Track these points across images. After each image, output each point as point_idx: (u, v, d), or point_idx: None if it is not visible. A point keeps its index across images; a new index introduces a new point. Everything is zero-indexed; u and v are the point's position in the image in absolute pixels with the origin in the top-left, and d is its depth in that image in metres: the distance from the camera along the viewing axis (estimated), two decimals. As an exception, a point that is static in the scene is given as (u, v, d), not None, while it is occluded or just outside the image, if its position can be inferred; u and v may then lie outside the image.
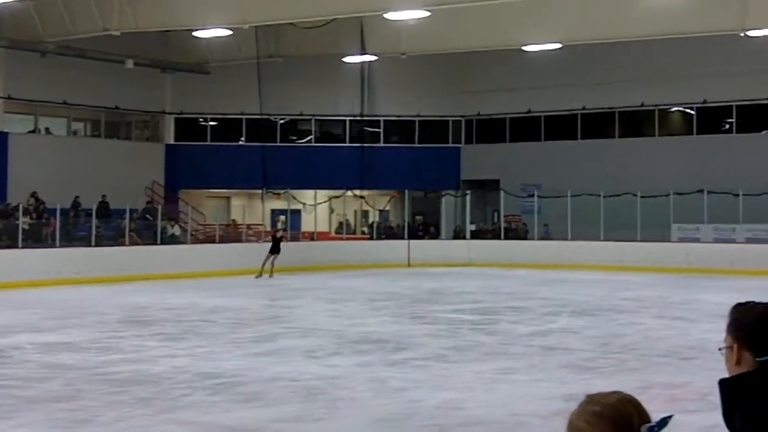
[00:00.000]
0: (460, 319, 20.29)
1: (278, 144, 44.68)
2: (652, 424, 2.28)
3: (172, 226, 38.26)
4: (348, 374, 13.40)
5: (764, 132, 39.38)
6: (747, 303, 2.98)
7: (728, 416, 2.82)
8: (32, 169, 37.58)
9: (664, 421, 2.29)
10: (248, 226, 41.67)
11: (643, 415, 2.31)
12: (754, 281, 28.67)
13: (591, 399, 2.36)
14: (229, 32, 35.12)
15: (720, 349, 2.96)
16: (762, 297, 3.07)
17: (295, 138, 46.20)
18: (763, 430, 2.70)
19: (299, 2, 30.67)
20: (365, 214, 47.76)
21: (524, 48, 36.56)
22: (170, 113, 44.45)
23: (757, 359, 2.83)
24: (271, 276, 32.27)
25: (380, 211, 45.66)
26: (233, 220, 43.23)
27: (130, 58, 39.06)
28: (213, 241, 38.35)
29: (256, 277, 31.93)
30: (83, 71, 39.01)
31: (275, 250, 33.01)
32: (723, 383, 2.88)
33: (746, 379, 2.83)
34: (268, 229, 40.98)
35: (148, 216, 38.12)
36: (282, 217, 39.00)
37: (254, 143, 43.74)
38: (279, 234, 34.59)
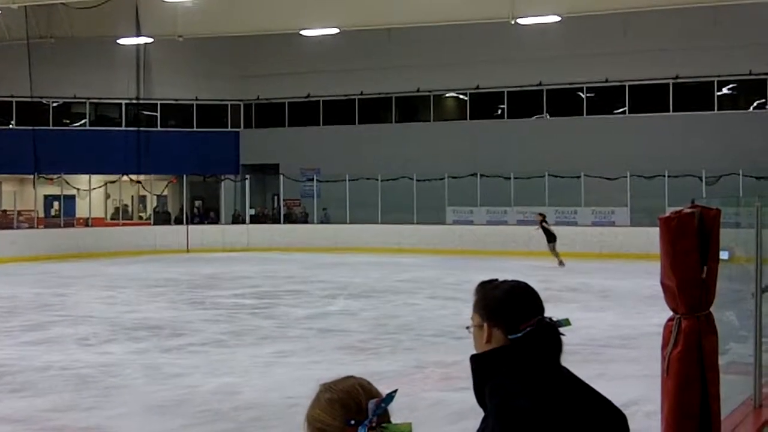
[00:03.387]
0: (239, 304, 20.27)
1: (51, 128, 43.34)
2: (379, 399, 2.39)
3: (-62, 214, 36.67)
4: (122, 361, 13.22)
5: (534, 117, 40.96)
6: (492, 281, 3.04)
7: (479, 391, 2.88)
8: None
9: (390, 396, 2.40)
10: (20, 213, 40.23)
11: (371, 395, 2.42)
12: (524, 261, 29.93)
13: (324, 387, 2.48)
14: (-3, 12, 33.82)
15: (467, 328, 3.00)
16: (525, 277, 3.18)
17: (68, 122, 44.91)
18: (515, 404, 2.76)
19: (70, -18, 29.84)
20: (143, 199, 46.94)
21: (303, 32, 36.72)
22: (-66, 95, 42.42)
23: (509, 337, 2.88)
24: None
25: (158, 196, 44.98)
26: (4, 211, 41.66)
27: None
28: (-18, 229, 36.88)
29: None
30: None
31: (552, 237, 30.12)
32: (474, 359, 2.93)
33: (498, 354, 2.88)
34: (41, 215, 39.70)
35: None
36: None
37: (25, 127, 42.29)
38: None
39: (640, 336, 15.04)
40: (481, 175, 37.25)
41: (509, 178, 36.91)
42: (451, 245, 35.47)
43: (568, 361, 2.97)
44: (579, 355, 12.43)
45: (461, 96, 42.67)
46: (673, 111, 38.17)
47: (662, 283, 4.03)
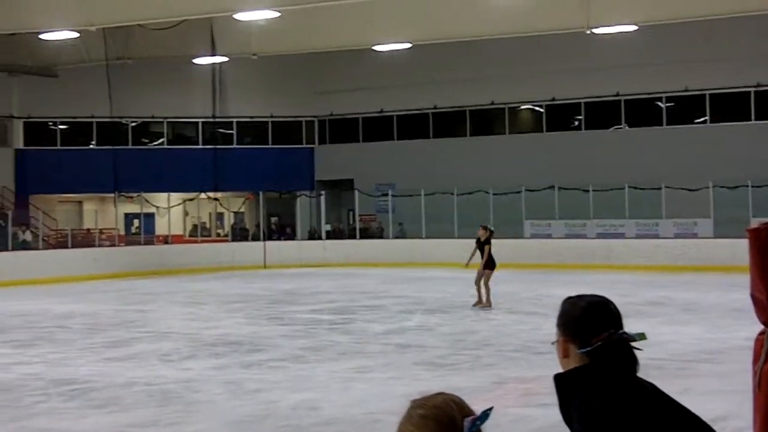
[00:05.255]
0: (317, 319, 20.32)
1: (130, 147, 44.03)
2: (475, 416, 2.37)
3: (24, 232, 37.55)
4: (203, 377, 13.31)
5: (612, 128, 40.55)
6: (575, 297, 3.06)
7: (564, 411, 2.91)
8: None
9: (486, 414, 2.38)
10: (101, 231, 40.94)
11: (465, 412, 2.40)
12: (604, 275, 29.55)
13: (415, 403, 2.45)
14: (77, 35, 34.38)
15: (552, 343, 3.04)
16: (605, 291, 3.17)
17: (147, 141, 45.59)
18: (598, 423, 2.78)
19: (146, 4, 30.17)
20: (220, 216, 47.41)
21: (375, 48, 36.79)
22: (18, 117, 43.41)
23: (581, 351, 2.92)
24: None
25: (235, 213, 45.40)
26: (87, 229, 42.41)
27: (-25, 61, 38.06)
28: (65, 247, 37.61)
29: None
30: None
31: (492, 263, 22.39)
32: (557, 378, 2.96)
33: (579, 374, 2.91)
34: (122, 233, 40.42)
35: (0, 222, 37.14)
36: None
37: (105, 147, 43.05)
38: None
39: (727, 350, 14.73)
40: (559, 188, 36.91)
41: (587, 191, 36.46)
42: (529, 259, 35.05)
43: (651, 376, 2.97)
44: (663, 370, 12.22)
45: (537, 108, 42.39)
46: (756, 119, 37.49)
47: (752, 296, 3.95)
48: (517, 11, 31.83)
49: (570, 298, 3.06)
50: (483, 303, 21.74)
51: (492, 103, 42.33)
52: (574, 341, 2.94)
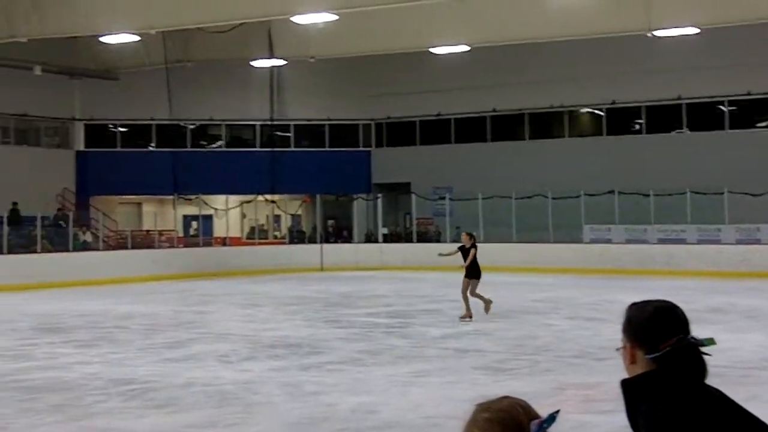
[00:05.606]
0: (374, 323, 20.26)
1: (189, 149, 44.38)
2: (542, 419, 2.36)
3: (84, 233, 37.97)
4: (262, 379, 13.31)
5: (673, 132, 40.10)
6: (640, 302, 3.02)
7: (631, 417, 2.87)
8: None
9: (552, 417, 2.36)
10: (160, 232, 41.29)
11: (531, 415, 2.39)
12: (665, 281, 29.15)
13: (481, 407, 2.44)
14: (137, 38, 34.71)
15: (617, 350, 3.00)
16: (666, 297, 3.09)
17: (205, 143, 45.91)
18: (666, 429, 2.74)
19: (205, 7, 30.38)
20: (277, 218, 47.59)
21: (433, 50, 36.69)
22: (79, 120, 43.96)
23: (649, 357, 2.87)
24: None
25: (292, 215, 45.54)
26: (147, 231, 42.81)
27: (38, 64, 38.60)
28: (125, 248, 37.99)
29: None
30: (-10, 78, 38.55)
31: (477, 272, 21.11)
32: (624, 384, 2.92)
33: (646, 379, 2.87)
34: (180, 235, 40.72)
35: (61, 223, 37.59)
36: None
37: (164, 149, 43.45)
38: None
39: (792, 358, 14.47)
40: (619, 192, 36.50)
41: (648, 195, 36.01)
42: (588, 264, 34.75)
43: (715, 383, 2.89)
44: (726, 377, 11.95)
45: (597, 111, 42.04)
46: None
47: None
48: (577, 13, 31.58)
49: (636, 303, 3.02)
50: (467, 315, 20.18)
51: (551, 106, 42.04)
52: (642, 347, 2.90)
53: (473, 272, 20.73)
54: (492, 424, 2.37)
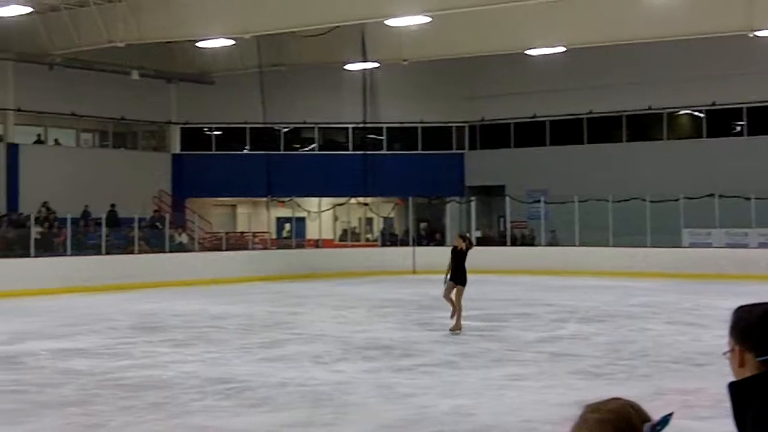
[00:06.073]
0: (467, 326, 20.07)
1: (282, 152, 44.69)
2: (654, 422, 2.30)
3: (180, 234, 38.55)
4: (355, 380, 13.31)
5: (776, 134, 39.13)
6: (748, 305, 2.94)
7: (739, 421, 2.78)
8: (42, 179, 38.03)
9: (666, 420, 2.31)
10: (254, 234, 41.70)
11: (643, 417, 2.33)
12: (765, 286, 28.44)
13: (590, 407, 2.39)
14: (232, 42, 35.09)
15: (724, 353, 2.93)
16: None
17: (298, 146, 46.23)
18: None
19: (300, 11, 30.58)
20: (369, 221, 47.67)
21: (528, 52, 36.38)
22: (176, 123, 44.61)
23: (758, 359, 2.78)
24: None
25: (384, 218, 45.56)
26: (241, 232, 43.28)
27: (135, 69, 39.28)
28: (219, 249, 38.49)
29: None
30: (90, 83, 39.55)
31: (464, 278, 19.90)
32: (732, 387, 2.84)
33: (756, 382, 2.78)
34: (274, 237, 41.03)
35: (157, 224, 38.19)
36: None
37: (258, 152, 43.85)
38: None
39: None
40: (719, 196, 35.67)
41: (749, 199, 35.15)
42: (687, 269, 34.03)
43: None
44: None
45: (696, 113, 41.25)
46: None
47: None
48: (676, 13, 30.99)
49: (743, 306, 2.92)
50: (456, 322, 18.83)
51: (649, 108, 41.33)
52: (751, 349, 2.80)
53: (462, 278, 19.45)
54: (603, 425, 2.30)
